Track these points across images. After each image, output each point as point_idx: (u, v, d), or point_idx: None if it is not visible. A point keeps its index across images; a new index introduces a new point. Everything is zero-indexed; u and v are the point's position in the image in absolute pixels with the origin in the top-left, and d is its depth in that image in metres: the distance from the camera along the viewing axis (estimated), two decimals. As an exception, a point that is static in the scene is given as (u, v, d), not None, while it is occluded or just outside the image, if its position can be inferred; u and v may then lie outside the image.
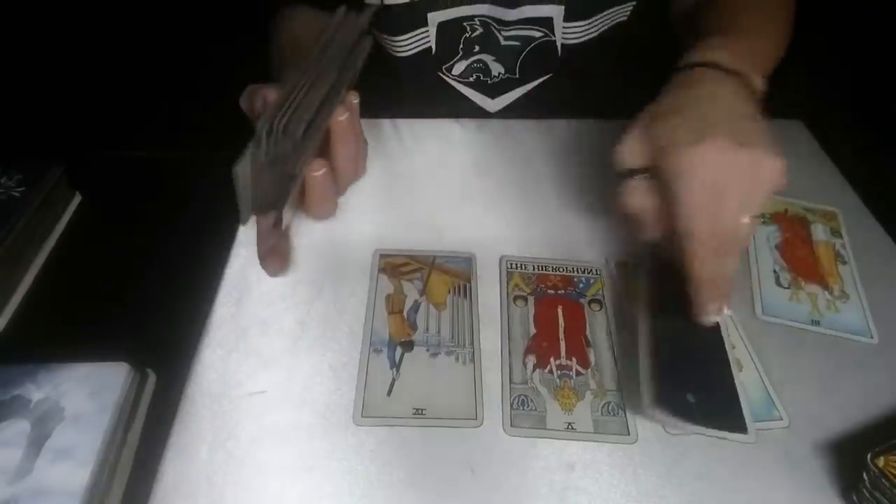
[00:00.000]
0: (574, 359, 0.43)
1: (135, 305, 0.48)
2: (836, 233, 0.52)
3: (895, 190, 0.57)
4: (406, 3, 0.57)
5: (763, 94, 0.43)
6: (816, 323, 0.45)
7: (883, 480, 0.34)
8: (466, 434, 0.39)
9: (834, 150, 0.59)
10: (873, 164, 0.48)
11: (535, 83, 0.66)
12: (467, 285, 0.47)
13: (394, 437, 0.38)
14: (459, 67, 0.64)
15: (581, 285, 0.47)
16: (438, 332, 0.44)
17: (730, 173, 0.36)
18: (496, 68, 0.64)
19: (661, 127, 0.39)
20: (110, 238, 0.54)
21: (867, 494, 0.35)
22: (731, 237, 0.37)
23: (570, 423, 0.39)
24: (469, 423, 0.39)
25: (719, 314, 0.39)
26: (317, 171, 0.38)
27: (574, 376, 0.42)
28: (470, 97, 0.67)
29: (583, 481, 0.37)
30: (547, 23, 0.59)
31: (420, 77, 0.65)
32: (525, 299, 0.46)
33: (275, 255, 0.41)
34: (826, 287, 0.48)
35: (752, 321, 0.45)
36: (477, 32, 0.60)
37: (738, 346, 0.44)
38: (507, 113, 0.68)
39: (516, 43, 0.61)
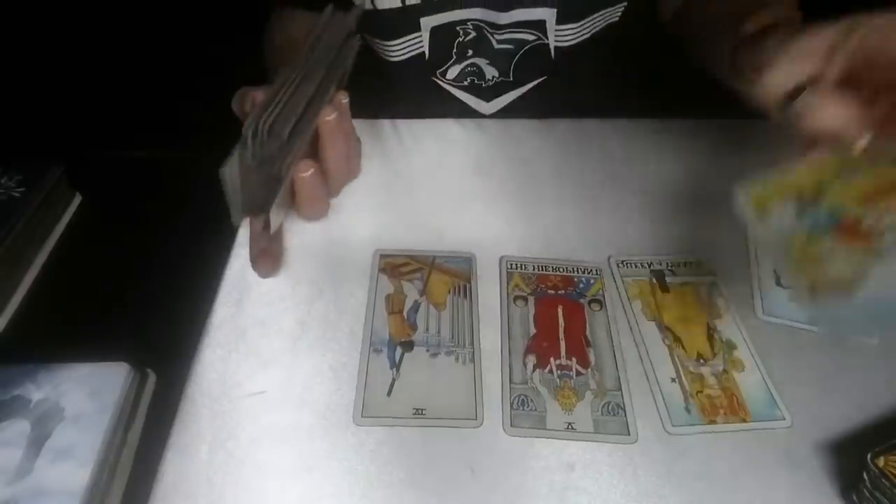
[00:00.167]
0: (574, 359, 0.43)
1: (135, 305, 0.48)
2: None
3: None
4: (398, 8, 0.57)
5: None
6: (816, 323, 0.45)
7: (883, 480, 0.34)
8: (466, 434, 0.39)
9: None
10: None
11: (529, 86, 0.66)
12: (467, 285, 0.47)
13: (394, 437, 0.38)
14: (453, 72, 0.64)
15: (581, 285, 0.47)
16: (438, 332, 0.44)
17: None
18: (490, 72, 0.64)
19: (823, 30, 0.35)
20: (110, 238, 0.54)
21: (867, 494, 0.35)
22: None
23: (570, 423, 0.39)
24: (469, 423, 0.39)
25: None
26: (305, 172, 0.37)
27: (574, 376, 0.42)
28: (464, 101, 0.67)
29: (583, 481, 0.37)
30: (540, 25, 0.59)
31: (413, 81, 0.65)
32: (525, 299, 0.46)
33: (265, 257, 0.41)
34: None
35: (753, 321, 0.45)
36: (470, 36, 0.60)
37: (739, 346, 0.44)
38: (501, 116, 0.68)
39: (509, 46, 0.61)
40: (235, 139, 0.35)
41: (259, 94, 0.39)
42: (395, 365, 0.42)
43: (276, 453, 0.38)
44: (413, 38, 0.60)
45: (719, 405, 0.40)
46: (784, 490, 0.37)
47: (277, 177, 0.36)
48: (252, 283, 0.47)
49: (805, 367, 0.43)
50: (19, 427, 0.38)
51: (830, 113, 0.35)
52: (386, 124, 0.61)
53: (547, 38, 0.60)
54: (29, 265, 0.51)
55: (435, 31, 0.60)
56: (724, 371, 0.42)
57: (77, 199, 0.57)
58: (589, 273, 0.48)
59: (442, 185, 0.55)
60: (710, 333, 0.44)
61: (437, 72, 0.64)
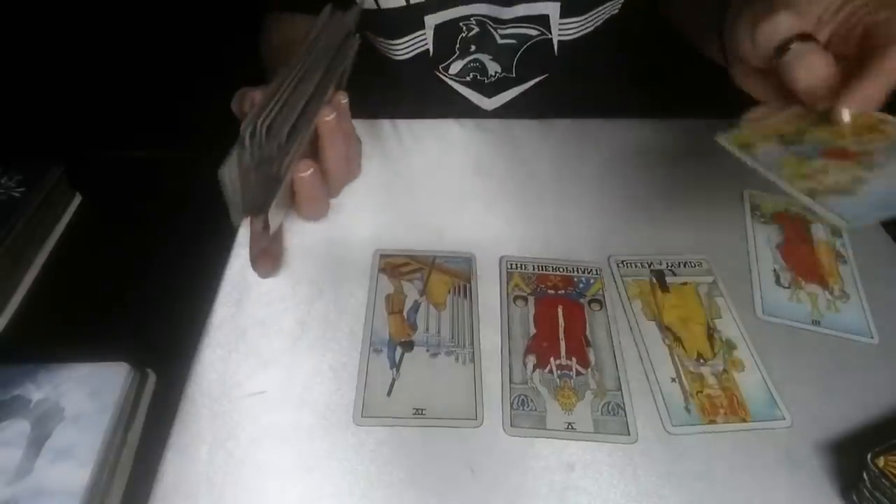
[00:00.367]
0: (574, 359, 0.43)
1: (135, 305, 0.48)
2: (836, 232, 0.52)
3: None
4: (402, 7, 0.57)
5: None
6: (817, 323, 0.45)
7: (883, 480, 0.34)
8: (466, 434, 0.39)
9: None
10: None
11: (532, 82, 0.66)
12: (467, 285, 0.47)
13: (394, 437, 0.38)
14: (456, 67, 0.64)
15: (581, 285, 0.47)
16: (438, 332, 0.44)
17: None
18: (493, 67, 0.64)
19: None
20: (110, 238, 0.54)
21: (867, 494, 0.35)
22: None
23: (570, 423, 0.39)
24: (469, 423, 0.39)
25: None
26: (304, 172, 0.37)
27: (574, 376, 0.42)
28: (466, 96, 0.67)
29: (583, 481, 0.37)
30: (543, 20, 0.59)
31: (417, 78, 0.65)
32: (525, 299, 0.46)
33: (265, 257, 0.41)
34: (826, 287, 0.48)
35: (752, 321, 0.45)
36: (473, 32, 0.60)
37: (739, 346, 0.44)
38: (503, 112, 0.68)
39: (513, 41, 0.61)
40: (235, 139, 0.35)
41: (257, 95, 0.39)
42: (395, 365, 0.42)
43: (276, 453, 0.38)
44: (417, 36, 0.60)
45: (719, 405, 0.40)
46: (784, 490, 0.37)
47: (276, 177, 0.36)
48: (252, 283, 0.47)
49: (805, 367, 0.43)
50: (19, 427, 0.38)
51: (818, 66, 0.37)
52: (386, 124, 0.61)
53: (550, 32, 0.60)
54: (29, 265, 0.51)
55: (439, 28, 0.60)
56: (724, 371, 0.42)
57: (77, 199, 0.57)
58: (589, 273, 0.48)
59: (442, 185, 0.55)
60: (710, 333, 0.44)
61: (440, 66, 0.64)
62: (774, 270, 0.49)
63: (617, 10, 0.62)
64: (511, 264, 0.49)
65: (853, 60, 0.38)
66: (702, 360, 0.43)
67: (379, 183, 0.55)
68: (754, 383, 0.42)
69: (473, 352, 0.43)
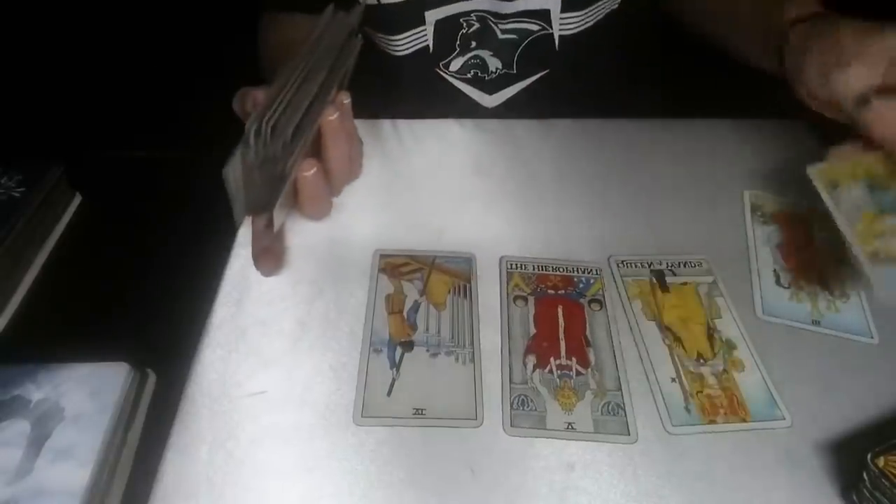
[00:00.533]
0: (574, 359, 0.43)
1: (135, 305, 0.48)
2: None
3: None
4: (402, 2, 0.57)
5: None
6: (817, 323, 0.45)
7: (883, 480, 0.34)
8: (466, 434, 0.39)
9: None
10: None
11: (533, 79, 0.66)
12: (467, 285, 0.47)
13: (394, 437, 0.38)
14: (456, 64, 0.64)
15: (581, 285, 0.47)
16: (438, 332, 0.44)
17: None
18: (493, 63, 0.64)
19: (876, 39, 0.39)
20: (110, 238, 0.54)
21: (867, 494, 0.35)
22: None
23: (570, 423, 0.39)
24: (469, 423, 0.39)
25: None
26: (307, 171, 0.37)
27: (574, 376, 0.42)
28: (467, 93, 0.67)
29: (583, 481, 0.37)
30: (544, 15, 0.59)
31: (417, 75, 0.65)
32: (525, 299, 0.46)
33: (268, 256, 0.41)
34: (826, 287, 0.48)
35: (752, 321, 0.45)
36: (474, 28, 0.60)
37: (739, 346, 0.44)
38: (504, 109, 0.68)
39: (514, 37, 0.61)
40: (236, 139, 0.35)
41: (260, 94, 0.39)
42: (395, 365, 0.42)
43: (276, 453, 0.38)
44: (417, 32, 0.60)
45: (719, 405, 0.40)
46: (784, 490, 0.37)
47: (281, 176, 0.36)
48: (252, 282, 0.47)
49: (805, 367, 0.43)
50: (19, 427, 0.38)
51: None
52: (386, 124, 0.61)
53: (551, 27, 0.60)
54: (29, 265, 0.51)
55: (439, 24, 0.60)
56: (724, 371, 0.42)
57: (77, 199, 0.57)
58: (589, 273, 0.48)
59: (442, 185, 0.55)
60: (710, 333, 0.44)
61: (441, 63, 0.64)
62: (775, 270, 0.49)
63: (617, 5, 0.62)
64: (511, 264, 0.49)
65: None
66: (702, 360, 0.43)
67: (379, 183, 0.55)
68: (754, 383, 0.42)
69: (473, 352, 0.43)
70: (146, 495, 0.36)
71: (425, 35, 0.61)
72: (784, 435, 0.39)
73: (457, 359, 0.42)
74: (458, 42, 0.62)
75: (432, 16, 0.59)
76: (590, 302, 0.46)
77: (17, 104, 0.85)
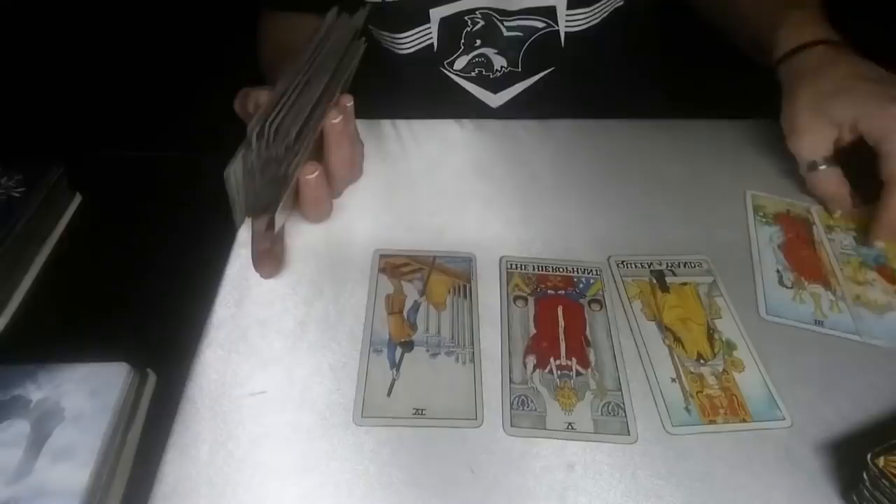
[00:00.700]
0: (574, 359, 0.43)
1: (135, 305, 0.48)
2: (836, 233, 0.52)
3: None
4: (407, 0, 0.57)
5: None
6: (820, 323, 0.45)
7: (883, 480, 0.34)
8: (466, 434, 0.39)
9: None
10: (874, 163, 0.48)
11: (538, 77, 0.66)
12: (467, 285, 0.47)
13: (394, 437, 0.38)
14: (461, 62, 0.64)
15: (581, 285, 0.47)
16: (438, 332, 0.44)
17: None
18: (498, 62, 0.63)
19: (836, 107, 0.47)
20: (110, 238, 0.54)
21: (867, 494, 0.35)
22: None
23: (570, 423, 0.39)
24: (469, 423, 0.39)
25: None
26: (310, 174, 0.37)
27: (574, 376, 0.42)
28: (472, 92, 0.66)
29: (583, 481, 0.37)
30: (550, 12, 0.59)
31: (421, 73, 0.65)
32: (525, 299, 0.46)
33: (268, 258, 0.41)
34: (829, 287, 0.48)
35: (755, 321, 0.45)
36: (478, 26, 0.60)
37: (739, 346, 0.44)
38: (509, 108, 0.67)
39: (519, 34, 0.61)
40: (236, 139, 0.35)
41: (262, 95, 0.39)
42: (395, 365, 0.42)
43: (276, 453, 0.38)
44: (422, 30, 0.60)
45: (719, 405, 0.40)
46: (784, 490, 0.37)
47: (283, 178, 0.36)
48: (252, 283, 0.47)
49: (805, 367, 0.43)
50: (19, 427, 0.38)
51: (833, 186, 0.50)
52: (386, 124, 0.61)
53: (557, 24, 0.60)
54: (29, 265, 0.51)
55: (443, 22, 0.59)
56: (724, 371, 0.42)
57: (77, 199, 0.57)
58: (589, 273, 0.48)
59: (442, 185, 0.55)
60: (710, 333, 0.44)
61: (445, 62, 0.64)
62: (777, 271, 0.49)
63: (622, 2, 0.62)
64: (511, 264, 0.49)
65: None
66: (702, 361, 0.43)
67: (379, 183, 0.54)
68: (754, 383, 0.42)
69: (473, 352, 0.43)
70: (146, 495, 0.36)
71: (430, 33, 0.60)
72: (784, 435, 0.39)
73: (457, 359, 0.42)
74: (462, 40, 0.61)
75: (437, 13, 0.59)
76: (590, 302, 0.46)
77: (17, 104, 0.85)
